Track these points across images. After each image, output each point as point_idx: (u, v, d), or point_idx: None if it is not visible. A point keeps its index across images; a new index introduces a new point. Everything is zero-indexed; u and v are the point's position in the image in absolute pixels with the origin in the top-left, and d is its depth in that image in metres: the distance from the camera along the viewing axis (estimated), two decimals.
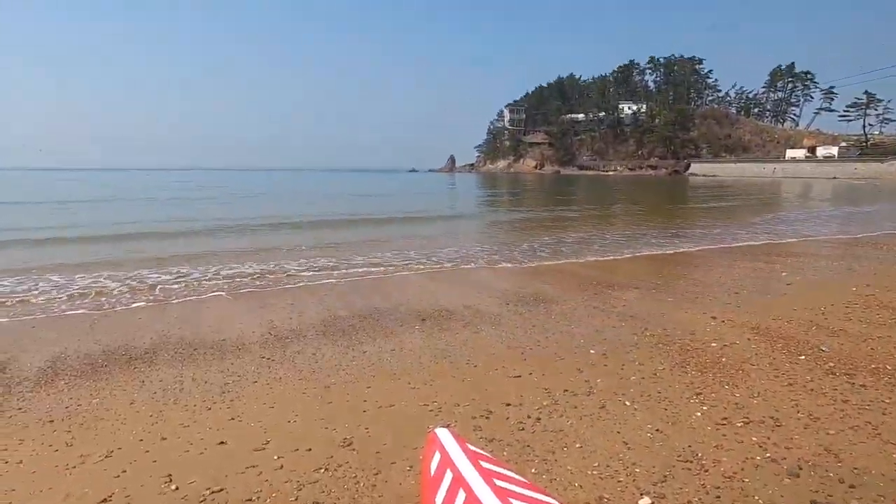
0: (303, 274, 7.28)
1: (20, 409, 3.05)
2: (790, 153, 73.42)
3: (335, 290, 6.29)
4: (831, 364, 3.45)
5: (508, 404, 2.99)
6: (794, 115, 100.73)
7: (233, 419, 2.87)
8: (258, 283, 6.74)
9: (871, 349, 3.73)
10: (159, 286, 6.50)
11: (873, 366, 3.40)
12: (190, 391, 3.26)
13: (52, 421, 2.88)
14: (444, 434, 1.22)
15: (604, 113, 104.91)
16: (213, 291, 6.23)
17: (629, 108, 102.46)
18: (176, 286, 6.51)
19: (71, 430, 2.78)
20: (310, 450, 2.52)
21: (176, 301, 5.77)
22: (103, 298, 5.92)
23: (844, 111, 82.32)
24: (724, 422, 2.70)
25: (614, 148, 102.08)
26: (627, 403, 2.95)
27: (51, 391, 3.30)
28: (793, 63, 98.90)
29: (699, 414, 2.80)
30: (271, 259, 8.49)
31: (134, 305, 5.60)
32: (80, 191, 35.86)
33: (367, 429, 2.73)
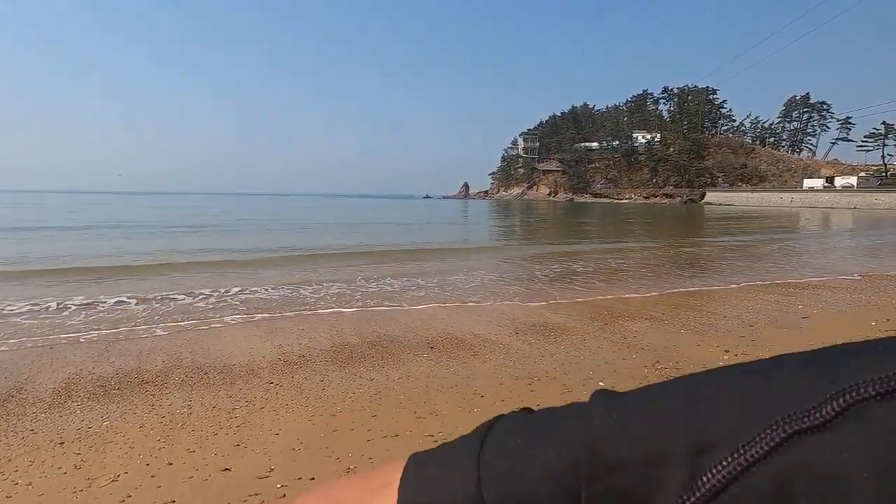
0: (317, 301, 7.35)
1: (32, 430, 3.11)
2: (808, 182, 72.72)
3: (346, 316, 6.33)
4: None
5: None
6: (811, 144, 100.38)
7: (238, 445, 2.88)
8: (272, 308, 6.81)
9: None
10: (178, 309, 6.62)
11: None
12: (198, 415, 3.29)
13: (62, 443, 2.93)
14: None
15: (617, 141, 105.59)
16: (229, 315, 6.31)
17: (643, 136, 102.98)
18: (194, 309, 6.62)
19: (80, 452, 2.82)
20: (313, 479, 2.52)
21: (192, 324, 5.86)
22: (122, 319, 6.03)
23: (863, 141, 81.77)
24: None
25: (628, 176, 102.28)
26: None
27: (63, 413, 3.36)
28: (808, 94, 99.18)
29: None
30: (288, 285, 8.60)
31: (151, 327, 5.70)
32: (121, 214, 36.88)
33: (370, 459, 2.72)
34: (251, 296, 7.54)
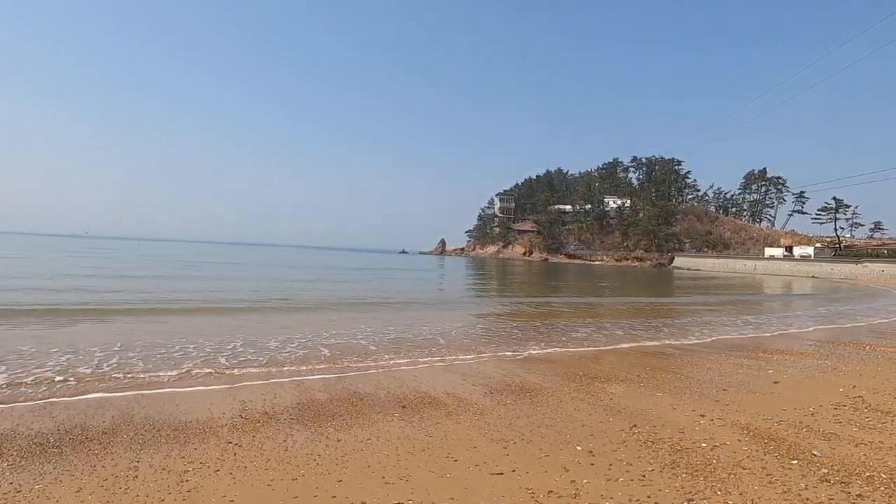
0: (284, 353, 7.06)
1: None
2: (769, 251, 76.08)
3: (315, 370, 6.07)
4: (825, 471, 3.31)
5: None
6: (770, 215, 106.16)
7: None
8: (236, 360, 6.49)
9: (864, 455, 3.61)
10: (133, 360, 6.24)
11: (867, 474, 3.27)
12: (144, 479, 3.00)
13: None
14: None
15: (590, 205, 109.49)
16: (190, 368, 5.97)
17: (614, 202, 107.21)
18: (150, 361, 6.25)
19: None
20: None
21: (147, 376, 5.50)
22: (69, 370, 5.63)
23: (816, 214, 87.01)
24: None
25: (600, 238, 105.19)
26: None
27: None
28: (765, 168, 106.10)
29: None
30: (254, 335, 8.28)
31: (104, 375, 5.32)
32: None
33: None
34: (213, 348, 7.19)
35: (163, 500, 2.75)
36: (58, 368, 5.71)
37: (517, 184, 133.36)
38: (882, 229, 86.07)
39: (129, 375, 5.52)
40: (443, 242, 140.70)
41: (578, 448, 3.67)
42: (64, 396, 4.70)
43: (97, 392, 4.86)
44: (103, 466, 3.17)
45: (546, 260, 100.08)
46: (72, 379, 5.30)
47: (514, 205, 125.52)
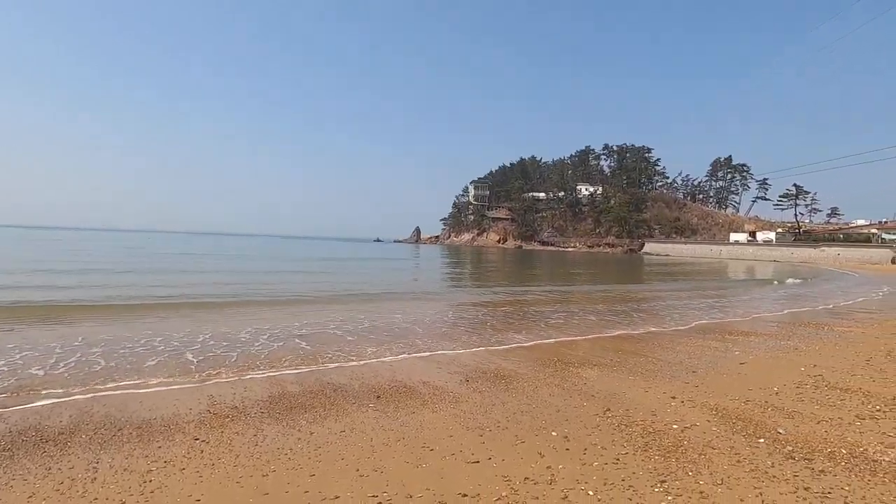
0: (255, 345, 6.88)
1: None
2: (734, 236, 78.74)
3: (287, 362, 5.93)
4: (789, 448, 3.42)
5: (465, 495, 2.76)
6: (735, 202, 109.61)
7: None
8: (204, 354, 6.29)
9: (826, 432, 3.74)
10: (94, 357, 5.97)
11: (829, 450, 3.39)
12: (104, 481, 2.86)
13: None
14: None
15: (563, 193, 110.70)
16: (153, 363, 5.75)
17: (586, 189, 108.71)
18: (111, 357, 5.99)
19: None
20: None
21: (108, 373, 5.27)
22: (24, 368, 5.34)
23: (778, 200, 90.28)
24: None
25: (573, 225, 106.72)
26: (591, 493, 2.78)
27: None
28: (730, 156, 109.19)
29: None
30: (224, 328, 8.05)
31: (62, 373, 5.06)
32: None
33: None
34: (180, 342, 6.96)
35: (124, 502, 2.62)
36: (12, 367, 5.41)
37: (491, 171, 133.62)
38: (838, 215, 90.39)
39: (89, 372, 5.28)
40: (417, 231, 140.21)
41: (554, 434, 3.68)
42: (17, 396, 4.45)
43: (54, 390, 4.62)
44: (59, 469, 3.01)
45: (520, 247, 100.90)
46: (26, 378, 5.03)
47: (488, 192, 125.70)
